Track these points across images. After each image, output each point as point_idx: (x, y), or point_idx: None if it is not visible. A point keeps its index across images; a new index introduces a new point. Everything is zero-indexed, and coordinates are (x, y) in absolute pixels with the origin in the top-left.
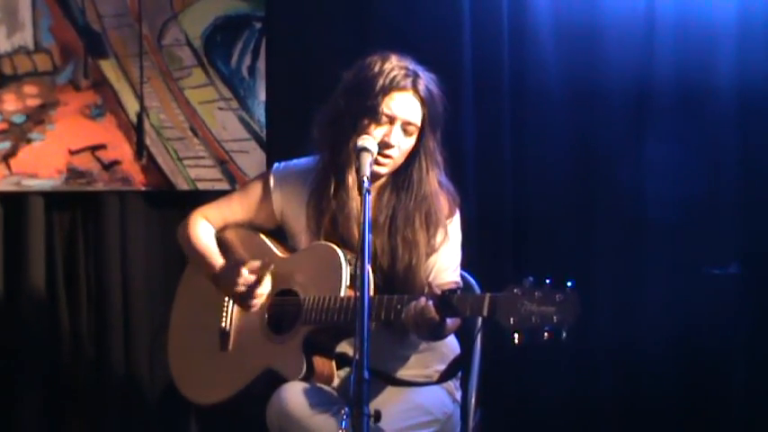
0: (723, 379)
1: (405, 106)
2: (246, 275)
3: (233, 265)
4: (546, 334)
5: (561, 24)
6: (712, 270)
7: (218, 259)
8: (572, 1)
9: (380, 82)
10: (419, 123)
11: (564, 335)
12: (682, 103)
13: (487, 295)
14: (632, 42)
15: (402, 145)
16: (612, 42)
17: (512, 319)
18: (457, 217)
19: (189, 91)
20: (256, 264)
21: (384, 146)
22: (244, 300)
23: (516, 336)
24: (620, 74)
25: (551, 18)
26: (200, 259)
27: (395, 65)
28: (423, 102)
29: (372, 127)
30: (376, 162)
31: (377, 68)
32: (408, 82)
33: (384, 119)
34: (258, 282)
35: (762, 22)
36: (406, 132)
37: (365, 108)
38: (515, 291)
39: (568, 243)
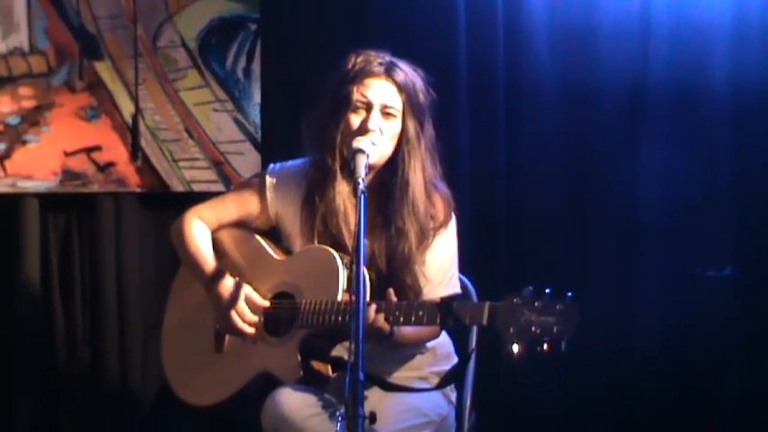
0: (717, 381)
1: (378, 91)
2: (247, 312)
3: (234, 293)
4: (545, 345)
5: (556, 25)
6: (707, 272)
7: (210, 265)
8: (567, 2)
9: (353, 71)
10: (399, 107)
11: (563, 346)
12: (676, 104)
13: (487, 304)
14: (627, 43)
15: (385, 130)
16: (607, 43)
17: (511, 329)
18: (452, 225)
19: (184, 92)
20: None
21: (363, 130)
22: (229, 325)
23: (515, 346)
24: (614, 75)
25: (546, 18)
26: (193, 264)
27: (369, 56)
28: (399, 88)
29: (350, 116)
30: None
31: (351, 61)
32: (381, 69)
33: (360, 105)
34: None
35: (757, 25)
36: (386, 116)
37: (341, 99)
38: (515, 300)
39: (562, 244)
